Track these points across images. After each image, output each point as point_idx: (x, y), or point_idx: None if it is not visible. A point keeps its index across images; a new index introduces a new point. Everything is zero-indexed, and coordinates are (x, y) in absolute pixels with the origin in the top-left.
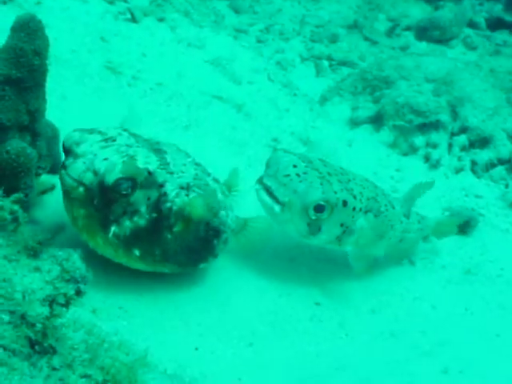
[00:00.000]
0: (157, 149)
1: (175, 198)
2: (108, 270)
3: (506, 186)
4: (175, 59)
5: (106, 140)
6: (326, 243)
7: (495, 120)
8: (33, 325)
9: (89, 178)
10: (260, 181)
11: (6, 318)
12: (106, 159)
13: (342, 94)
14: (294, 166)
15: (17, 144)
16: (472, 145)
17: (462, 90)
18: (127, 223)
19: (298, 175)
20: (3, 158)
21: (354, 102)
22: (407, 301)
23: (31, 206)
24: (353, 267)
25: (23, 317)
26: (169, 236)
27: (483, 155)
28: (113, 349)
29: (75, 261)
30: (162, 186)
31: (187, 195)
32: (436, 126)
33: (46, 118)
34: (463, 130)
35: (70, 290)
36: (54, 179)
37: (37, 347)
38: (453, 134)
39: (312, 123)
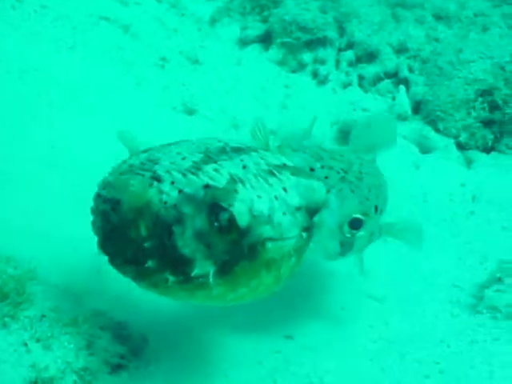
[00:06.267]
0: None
1: None
2: None
3: (393, 98)
4: None
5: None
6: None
7: (381, 35)
8: None
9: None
10: None
11: None
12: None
13: (232, 14)
14: (311, 170)
15: None
16: (359, 60)
17: (349, 5)
18: None
19: None
20: None
21: (242, 22)
22: None
23: None
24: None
25: None
26: None
27: (370, 69)
28: (0, 263)
29: None
30: None
31: None
32: (323, 42)
33: None
34: (350, 45)
35: None
36: None
37: None
38: (340, 50)
39: (201, 43)
